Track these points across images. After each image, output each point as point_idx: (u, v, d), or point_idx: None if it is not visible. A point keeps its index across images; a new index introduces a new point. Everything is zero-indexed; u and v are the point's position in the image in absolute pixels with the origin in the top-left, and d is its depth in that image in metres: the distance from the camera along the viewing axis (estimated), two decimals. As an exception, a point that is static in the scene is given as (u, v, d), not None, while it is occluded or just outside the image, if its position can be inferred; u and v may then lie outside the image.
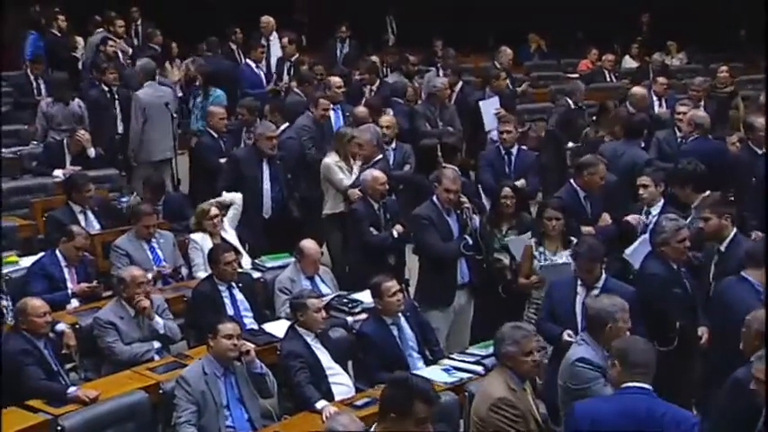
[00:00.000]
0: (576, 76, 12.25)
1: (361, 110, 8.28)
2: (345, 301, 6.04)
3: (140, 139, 8.49)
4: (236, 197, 7.12)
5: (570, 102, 8.96)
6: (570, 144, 8.32)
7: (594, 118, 8.75)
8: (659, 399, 3.83)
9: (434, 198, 6.11)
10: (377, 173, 6.67)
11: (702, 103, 8.72)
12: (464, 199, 6.13)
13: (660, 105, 9.29)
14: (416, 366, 5.36)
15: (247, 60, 10.68)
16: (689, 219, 5.83)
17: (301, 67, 10.05)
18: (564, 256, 5.76)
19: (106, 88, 9.03)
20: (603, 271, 5.21)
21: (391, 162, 7.68)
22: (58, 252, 6.19)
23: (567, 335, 5.01)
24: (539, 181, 7.61)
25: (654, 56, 12.19)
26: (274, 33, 11.29)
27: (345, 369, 5.36)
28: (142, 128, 8.46)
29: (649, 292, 5.20)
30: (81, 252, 6.23)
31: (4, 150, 8.63)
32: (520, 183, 7.03)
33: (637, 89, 9.00)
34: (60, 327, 5.40)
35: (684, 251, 5.36)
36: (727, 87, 9.78)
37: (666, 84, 9.61)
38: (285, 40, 11.07)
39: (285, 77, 10.45)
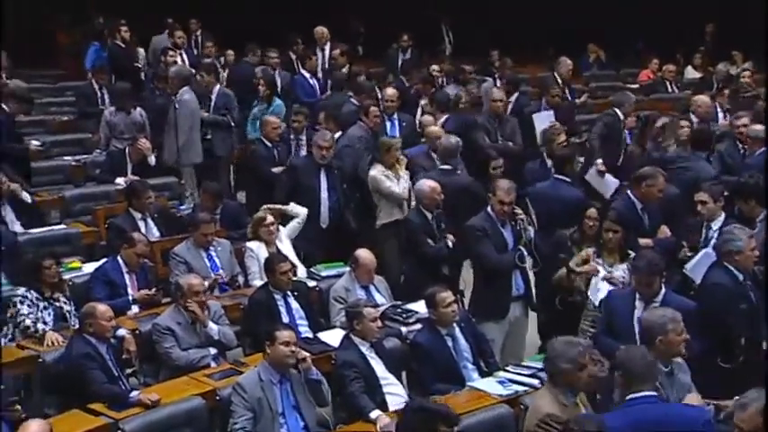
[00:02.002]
0: (636, 86, 12.09)
1: (428, 119, 8.26)
2: (400, 311, 6.04)
3: (177, 145, 8.48)
4: (302, 211, 7.15)
5: (619, 112, 8.56)
6: (599, 161, 7.89)
7: (637, 132, 8.41)
8: (666, 403, 3.85)
9: (489, 209, 6.09)
10: (433, 183, 6.65)
11: None
12: (518, 210, 6.09)
13: (725, 117, 9.01)
14: (471, 378, 5.34)
15: (302, 71, 10.77)
16: (755, 231, 5.70)
17: (357, 78, 10.11)
18: (621, 269, 5.71)
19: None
20: (663, 285, 5.13)
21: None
22: (119, 258, 6.31)
23: (624, 350, 4.94)
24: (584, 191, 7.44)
25: (718, 66, 11.84)
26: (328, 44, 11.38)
27: (399, 379, 5.36)
28: (176, 134, 8.47)
29: (713, 304, 5.11)
30: (141, 259, 6.34)
31: (69, 158, 8.85)
32: None
33: (700, 97, 8.74)
34: (121, 332, 5.50)
35: (755, 260, 5.26)
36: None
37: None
38: (336, 51, 11.14)
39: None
